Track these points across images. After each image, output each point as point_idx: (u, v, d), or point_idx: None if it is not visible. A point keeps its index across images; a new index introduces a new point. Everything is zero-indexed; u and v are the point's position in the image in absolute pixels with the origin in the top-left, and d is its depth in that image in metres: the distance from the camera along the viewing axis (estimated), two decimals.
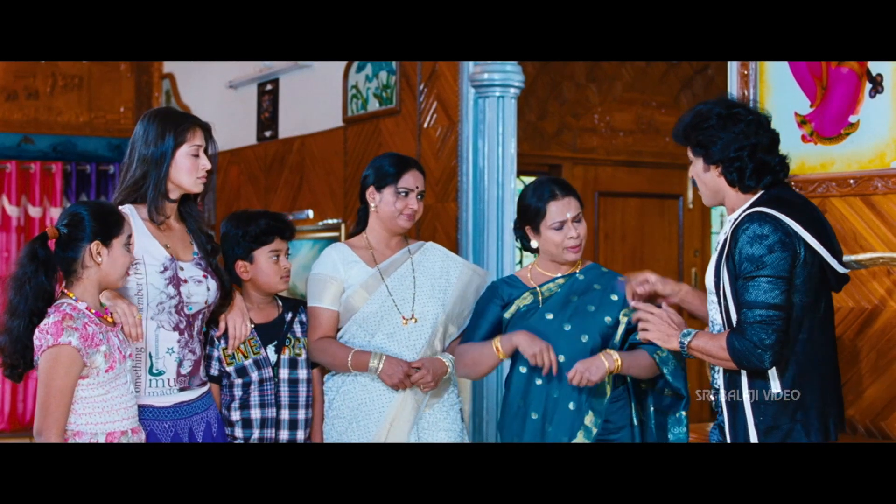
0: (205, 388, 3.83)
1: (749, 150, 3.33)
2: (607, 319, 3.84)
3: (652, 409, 3.89)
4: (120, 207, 3.63)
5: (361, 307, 4.08)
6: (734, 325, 3.29)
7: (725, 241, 3.34)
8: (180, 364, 3.69)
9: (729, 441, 3.32)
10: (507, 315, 3.93)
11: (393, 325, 4.08)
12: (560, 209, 3.87)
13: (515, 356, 3.89)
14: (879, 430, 3.96)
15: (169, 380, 3.67)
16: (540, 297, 3.91)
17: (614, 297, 3.88)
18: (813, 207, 3.37)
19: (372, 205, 4.15)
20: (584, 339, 3.82)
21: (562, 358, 3.79)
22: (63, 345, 3.26)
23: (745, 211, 3.33)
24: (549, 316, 3.86)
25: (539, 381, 3.81)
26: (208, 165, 3.77)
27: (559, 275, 3.95)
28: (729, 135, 3.34)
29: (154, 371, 3.64)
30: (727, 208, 3.45)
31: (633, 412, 3.89)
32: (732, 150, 3.33)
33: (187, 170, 3.71)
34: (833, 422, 3.33)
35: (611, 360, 3.69)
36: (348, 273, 4.11)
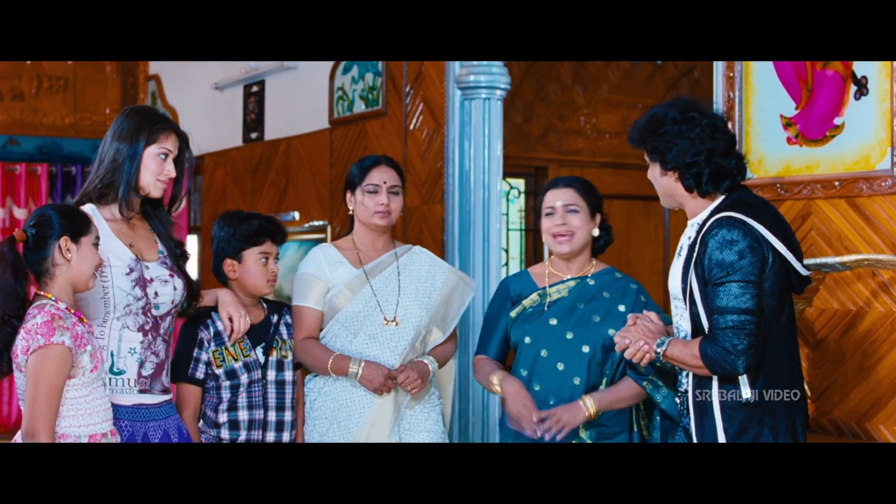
0: (167, 397, 3.77)
1: (705, 156, 3.31)
2: (611, 332, 3.73)
3: (658, 422, 3.85)
4: (82, 208, 3.62)
5: (345, 307, 4.09)
6: (704, 331, 3.26)
7: (692, 245, 3.31)
8: (142, 365, 3.65)
9: (695, 440, 3.31)
10: (512, 314, 3.91)
11: (375, 325, 4.08)
12: (553, 196, 3.89)
13: (515, 357, 3.89)
14: (864, 432, 3.97)
15: (129, 380, 3.63)
16: (547, 300, 3.89)
17: (622, 308, 3.82)
18: (774, 209, 3.37)
19: (351, 208, 4.20)
20: (585, 349, 3.78)
21: (561, 366, 3.78)
22: (55, 344, 3.24)
23: (710, 215, 3.30)
24: (553, 322, 3.83)
25: (537, 388, 3.79)
26: (172, 173, 3.74)
27: (569, 276, 3.93)
28: (684, 141, 3.32)
29: (115, 370, 3.61)
30: (688, 212, 3.43)
31: (634, 418, 3.85)
32: (689, 157, 3.32)
33: (151, 170, 3.69)
34: (800, 423, 3.30)
35: (587, 408, 3.68)
36: (333, 273, 4.12)
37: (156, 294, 3.67)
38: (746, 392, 3.22)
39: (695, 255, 3.27)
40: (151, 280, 3.66)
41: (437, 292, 4.18)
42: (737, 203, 3.29)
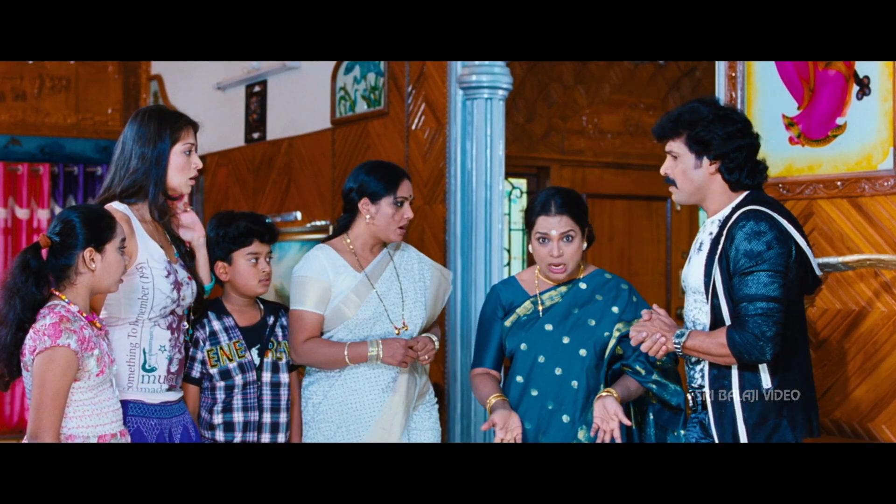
0: (182, 394, 3.85)
1: (747, 150, 3.44)
2: (606, 334, 3.82)
3: (652, 419, 3.88)
4: (115, 207, 3.62)
5: (354, 314, 4.08)
6: (724, 323, 3.33)
7: (715, 240, 3.37)
8: (170, 362, 3.71)
9: (715, 436, 3.37)
10: (507, 324, 3.91)
11: (384, 331, 4.09)
12: (547, 224, 3.80)
13: (511, 365, 3.89)
14: (866, 432, 3.97)
15: (160, 377, 3.68)
16: (540, 307, 3.89)
17: (615, 310, 3.85)
18: (788, 211, 3.47)
19: (367, 216, 4.11)
20: (583, 353, 3.80)
21: (559, 371, 3.79)
22: (61, 346, 3.25)
23: (735, 210, 3.39)
24: (549, 327, 3.84)
25: (535, 392, 3.80)
26: (200, 164, 3.81)
27: (561, 282, 3.92)
28: (728, 131, 3.43)
29: (147, 367, 3.65)
30: (709, 208, 3.52)
31: (632, 416, 3.86)
32: (733, 147, 3.42)
33: (179, 168, 3.73)
34: (814, 416, 3.41)
35: (614, 399, 3.64)
36: (337, 278, 4.08)
37: (184, 296, 3.72)
38: (767, 382, 3.31)
39: (720, 248, 3.35)
40: (182, 283, 3.70)
41: (428, 291, 4.23)
42: (758, 200, 3.41)
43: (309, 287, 4.08)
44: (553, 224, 3.79)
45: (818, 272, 3.44)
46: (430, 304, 4.22)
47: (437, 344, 4.13)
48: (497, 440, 3.67)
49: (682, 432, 3.81)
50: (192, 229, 3.96)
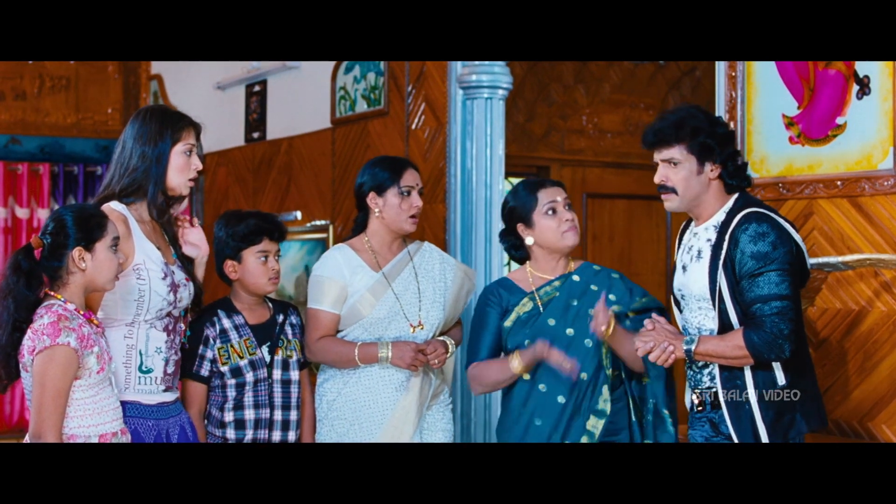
0: (178, 394, 3.84)
1: (738, 153, 3.52)
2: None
3: (652, 406, 3.87)
4: (112, 206, 3.62)
5: (370, 313, 4.09)
6: (732, 327, 3.36)
7: (717, 245, 3.38)
8: (167, 363, 3.71)
9: (733, 435, 3.39)
10: (506, 324, 3.90)
11: (400, 329, 4.10)
12: (550, 194, 3.90)
13: None
14: (866, 432, 3.97)
15: (156, 378, 3.67)
16: (539, 303, 3.89)
17: (612, 297, 3.85)
18: (778, 211, 3.52)
19: (376, 210, 4.14)
20: (588, 343, 3.80)
21: None
22: (61, 345, 3.25)
23: (731, 214, 3.42)
24: (552, 322, 3.84)
25: (543, 388, 3.80)
26: (200, 165, 3.79)
27: (554, 277, 3.93)
28: (723, 135, 3.49)
29: (143, 368, 3.64)
30: (702, 214, 3.54)
31: (632, 412, 3.87)
32: (732, 151, 3.49)
33: (179, 168, 3.72)
34: (822, 409, 3.47)
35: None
36: (353, 277, 4.11)
37: (181, 298, 3.71)
38: (781, 379, 3.35)
39: (723, 253, 3.37)
40: (179, 286, 3.69)
41: (449, 291, 4.22)
42: (751, 202, 3.46)
43: (325, 287, 4.11)
44: (556, 192, 3.92)
45: (808, 266, 3.49)
46: (450, 304, 4.21)
47: (451, 348, 4.13)
48: (567, 367, 3.65)
49: (666, 412, 3.80)
50: (198, 246, 3.95)
